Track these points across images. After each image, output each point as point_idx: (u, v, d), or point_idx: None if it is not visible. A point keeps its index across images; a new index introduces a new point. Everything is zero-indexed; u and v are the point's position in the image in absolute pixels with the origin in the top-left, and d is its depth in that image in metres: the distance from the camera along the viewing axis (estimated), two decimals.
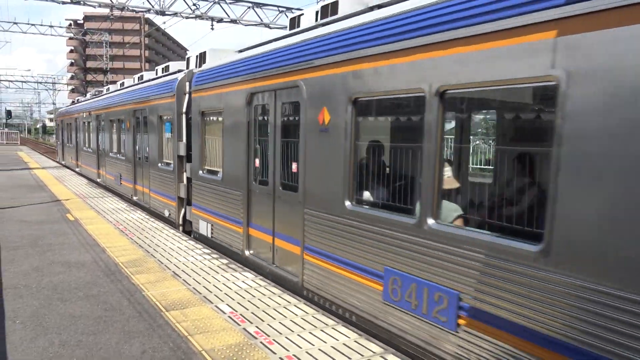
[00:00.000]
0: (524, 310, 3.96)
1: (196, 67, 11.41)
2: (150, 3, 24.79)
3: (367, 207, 5.94)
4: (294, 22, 8.31)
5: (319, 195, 6.53)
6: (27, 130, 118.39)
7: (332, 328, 5.54)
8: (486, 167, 5.13)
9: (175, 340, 5.19)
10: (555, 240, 3.71)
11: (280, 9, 26.81)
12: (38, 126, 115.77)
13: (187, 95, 11.32)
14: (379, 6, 5.95)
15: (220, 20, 26.01)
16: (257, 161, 8.34)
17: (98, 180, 20.66)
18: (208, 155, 10.31)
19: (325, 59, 6.31)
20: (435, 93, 4.74)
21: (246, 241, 8.59)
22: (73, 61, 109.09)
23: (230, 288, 6.93)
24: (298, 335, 5.35)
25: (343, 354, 4.90)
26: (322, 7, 7.48)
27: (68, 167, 28.24)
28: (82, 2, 23.80)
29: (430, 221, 4.84)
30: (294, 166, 7.21)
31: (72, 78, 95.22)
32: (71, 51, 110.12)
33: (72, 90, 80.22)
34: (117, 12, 26.88)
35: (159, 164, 12.92)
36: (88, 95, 28.89)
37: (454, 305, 4.60)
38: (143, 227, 11.15)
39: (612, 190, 3.41)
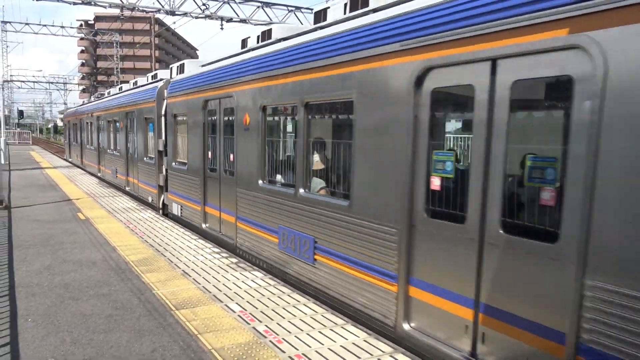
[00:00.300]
0: (344, 243, 6.32)
1: (177, 75, 13.46)
2: (160, 3, 24.92)
3: (270, 184, 8.30)
4: (244, 43, 10.27)
5: (245, 177, 8.85)
6: (38, 130, 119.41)
7: (342, 327, 5.54)
8: (332, 154, 7.86)
9: (185, 339, 5.22)
10: (353, 197, 6.13)
11: (290, 8, 26.83)
12: (49, 126, 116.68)
13: (165, 101, 13.39)
14: (284, 39, 8.33)
15: (229, 20, 26.06)
16: (210, 153, 10.61)
17: (99, 174, 22.84)
18: (179, 150, 12.66)
19: (247, 77, 8.63)
20: (302, 104, 7.06)
21: (203, 216, 10.93)
22: (84, 61, 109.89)
23: (239, 287, 6.95)
24: (307, 334, 5.35)
25: (352, 353, 4.90)
26: (262, 32, 9.56)
27: (74, 164, 30.00)
28: (92, 3, 23.95)
29: (301, 191, 7.23)
30: (231, 156, 9.49)
31: (83, 78, 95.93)
32: (82, 51, 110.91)
33: (83, 91, 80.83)
34: (127, 13, 27.03)
35: (145, 158, 15.20)
36: (92, 98, 31.16)
37: (312, 247, 6.97)
38: (153, 226, 11.21)
39: (374, 165, 5.78)
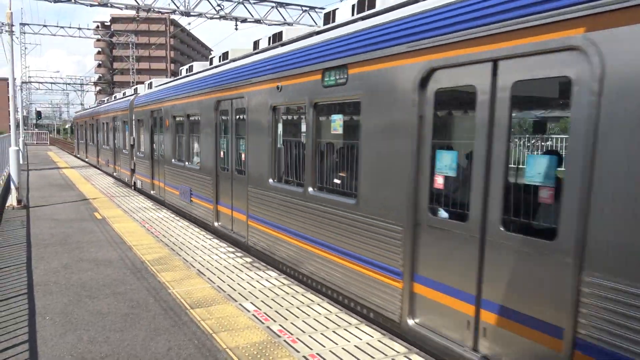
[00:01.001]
0: (199, 189, 11.72)
1: (146, 90, 18.80)
2: (175, 4, 25.06)
3: (178, 161, 13.62)
4: (180, 72, 15.50)
5: (167, 159, 14.51)
6: (56, 131, 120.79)
7: (356, 327, 5.53)
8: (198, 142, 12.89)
9: (200, 338, 5.25)
10: (201, 164, 11.80)
11: (304, 8, 26.81)
12: (67, 126, 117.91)
13: (133, 109, 19.12)
14: (193, 74, 13.49)
15: (244, 20, 26.13)
16: (154, 145, 16.27)
17: (97, 165, 28.73)
18: (141, 143, 18.35)
19: (166, 99, 14.36)
20: (185, 115, 12.63)
21: (151, 186, 16.75)
22: (100, 62, 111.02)
23: (254, 286, 6.98)
24: (321, 334, 5.35)
25: (367, 353, 4.89)
26: (189, 66, 14.77)
27: (81, 159, 36.08)
28: (109, 4, 24.18)
29: (186, 163, 12.81)
30: (162, 146, 15.19)
31: (99, 79, 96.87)
32: (99, 53, 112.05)
33: (100, 91, 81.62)
34: (143, 14, 27.24)
35: (124, 150, 21.03)
36: (95, 104, 39.51)
37: (189, 193, 12.35)
38: (168, 225, 11.30)
39: (207, 146, 11.20)
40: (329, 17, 7.76)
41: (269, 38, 9.64)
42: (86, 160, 33.79)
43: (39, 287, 6.88)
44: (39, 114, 67.27)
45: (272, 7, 26.24)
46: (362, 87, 6.00)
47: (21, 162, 18.14)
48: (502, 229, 4.42)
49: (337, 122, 6.93)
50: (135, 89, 21.44)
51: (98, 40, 77.45)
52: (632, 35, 3.37)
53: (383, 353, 4.89)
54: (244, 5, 25.72)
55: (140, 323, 5.68)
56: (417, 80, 5.16)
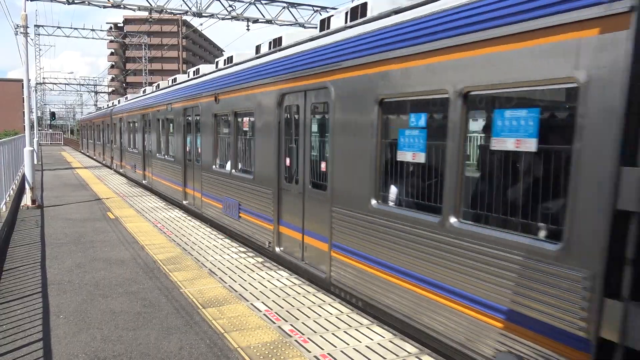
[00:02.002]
0: (138, 163, 21.31)
1: (124, 101, 27.58)
2: (187, 5, 25.18)
3: (130, 149, 22.78)
4: (143, 91, 24.46)
5: (126, 148, 23.57)
6: (69, 131, 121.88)
7: (367, 328, 5.53)
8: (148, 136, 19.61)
9: (212, 337, 5.27)
10: (137, 149, 21.51)
11: (315, 8, 26.78)
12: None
13: (112, 116, 28.01)
14: (149, 92, 21.59)
15: (255, 21, 26.15)
16: (122, 140, 24.74)
17: (94, 157, 37.27)
18: (116, 139, 26.43)
19: (128, 110, 23.15)
20: (132, 121, 22.32)
21: (120, 166, 25.10)
22: (114, 63, 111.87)
23: (265, 286, 6.99)
24: (333, 334, 5.35)
25: (378, 353, 4.88)
26: (143, 89, 25.08)
27: (84, 153, 44.53)
28: (122, 6, 24.35)
29: (134, 150, 22.00)
30: (125, 140, 23.90)
31: (112, 80, 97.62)
32: (112, 54, 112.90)
33: (112, 92, 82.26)
34: (155, 15, 27.39)
35: (107, 144, 30.07)
36: (95, 109, 51.58)
37: (134, 167, 22.14)
38: (180, 225, 11.36)
39: (157, 140, 18.02)
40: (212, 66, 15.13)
41: (156, 86, 20.03)
42: (87, 154, 43.14)
43: (53, 286, 6.96)
44: (53, 114, 67.93)
45: (284, 7, 26.25)
46: (173, 113, 14.88)
47: (35, 162, 18.37)
48: (196, 162, 12.80)
49: (170, 126, 15.72)
50: (119, 101, 31.37)
51: (111, 41, 78.14)
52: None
53: (394, 354, 4.88)
54: (256, 6, 25.74)
55: (152, 322, 5.72)
56: (182, 110, 14.02)
